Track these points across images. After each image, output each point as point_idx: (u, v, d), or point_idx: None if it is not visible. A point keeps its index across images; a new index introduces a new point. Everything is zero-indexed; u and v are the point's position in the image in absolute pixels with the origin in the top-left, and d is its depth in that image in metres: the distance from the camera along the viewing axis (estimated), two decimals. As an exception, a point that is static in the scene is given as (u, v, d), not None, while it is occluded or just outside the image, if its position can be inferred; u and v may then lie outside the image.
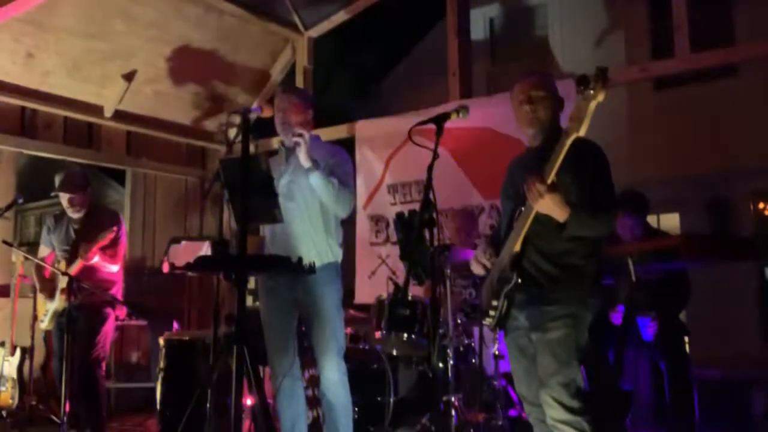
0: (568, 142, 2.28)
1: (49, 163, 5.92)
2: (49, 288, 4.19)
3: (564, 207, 2.34)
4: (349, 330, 4.22)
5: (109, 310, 4.23)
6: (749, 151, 7.28)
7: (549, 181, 2.32)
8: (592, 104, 2.23)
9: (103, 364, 4.24)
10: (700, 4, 5.21)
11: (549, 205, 2.34)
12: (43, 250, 4.36)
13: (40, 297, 4.26)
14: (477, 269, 2.79)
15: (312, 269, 2.64)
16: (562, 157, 2.30)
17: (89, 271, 4.10)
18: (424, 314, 3.55)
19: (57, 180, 4.23)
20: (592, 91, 2.21)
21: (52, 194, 4.28)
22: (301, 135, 3.10)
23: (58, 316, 4.13)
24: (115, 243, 4.21)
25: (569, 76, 4.36)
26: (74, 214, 4.27)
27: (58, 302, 4.09)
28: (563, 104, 2.69)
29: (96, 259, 4.06)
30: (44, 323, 4.20)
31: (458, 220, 4.77)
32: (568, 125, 2.29)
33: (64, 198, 4.22)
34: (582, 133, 2.26)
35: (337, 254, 3.31)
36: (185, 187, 6.80)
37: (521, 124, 2.68)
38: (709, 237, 5.52)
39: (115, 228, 4.05)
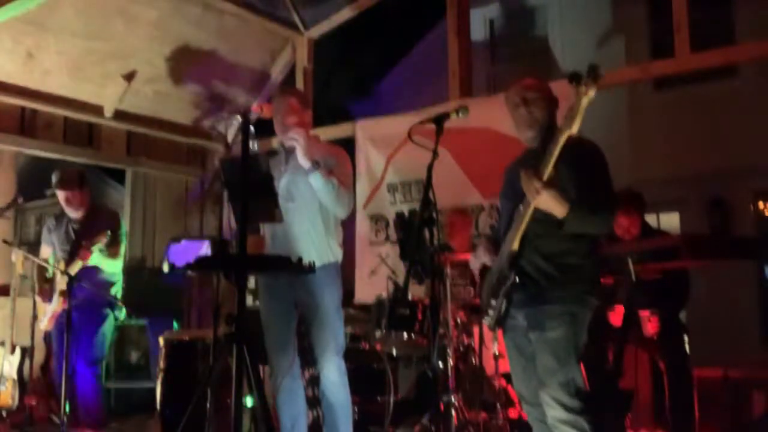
0: (562, 139, 2.30)
1: (49, 163, 5.92)
2: (47, 290, 4.19)
3: (563, 203, 2.34)
4: (349, 330, 4.22)
5: (107, 310, 4.23)
6: (749, 151, 7.27)
7: (545, 178, 2.32)
8: (584, 100, 2.25)
9: (102, 365, 4.24)
10: (700, 4, 5.21)
11: (546, 202, 2.34)
12: (45, 250, 4.36)
13: (38, 299, 4.26)
14: (475, 269, 2.79)
15: (312, 269, 2.65)
16: (556, 153, 2.32)
17: (90, 271, 4.10)
18: (424, 314, 3.55)
19: (54, 178, 4.23)
20: (584, 88, 2.23)
21: (49, 193, 4.29)
22: (294, 138, 3.10)
23: (57, 316, 4.13)
24: (115, 241, 4.20)
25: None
26: (73, 214, 4.27)
27: (57, 303, 4.09)
28: (558, 104, 2.70)
29: (94, 259, 4.05)
30: (43, 323, 4.20)
31: (450, 218, 4.75)
32: (562, 122, 2.31)
33: (61, 196, 4.22)
34: (575, 129, 2.28)
35: (337, 254, 3.32)
36: (185, 187, 6.80)
37: (519, 126, 2.70)
38: (709, 237, 5.52)
39: (109, 231, 4.03)
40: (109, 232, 4.01)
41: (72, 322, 3.88)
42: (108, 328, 4.24)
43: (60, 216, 4.38)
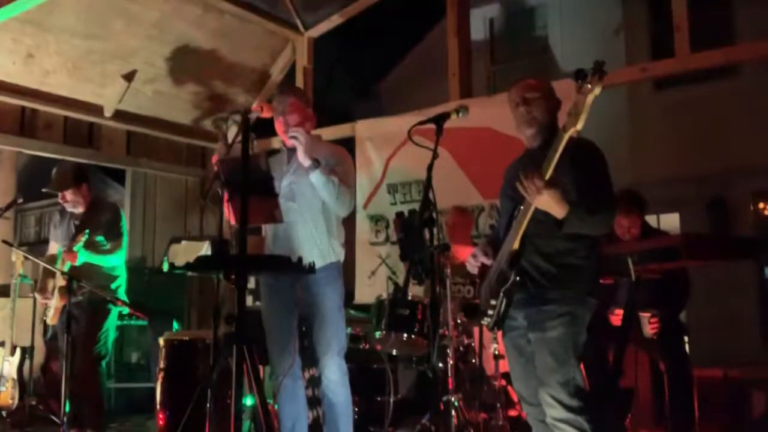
0: (566, 136, 2.30)
1: (49, 163, 5.92)
2: (46, 287, 4.17)
3: (562, 204, 2.35)
4: (348, 330, 4.21)
5: (109, 306, 4.19)
6: (749, 151, 7.27)
7: (547, 177, 2.32)
8: (590, 98, 2.25)
9: (104, 362, 4.21)
10: (700, 4, 5.21)
11: (547, 202, 2.35)
12: (52, 246, 4.35)
13: (38, 296, 4.24)
14: (473, 269, 2.79)
15: (312, 269, 2.65)
16: (559, 152, 2.32)
17: (89, 265, 4.08)
18: (423, 314, 3.55)
19: (52, 177, 4.23)
20: (589, 85, 2.24)
21: (44, 190, 4.27)
22: (295, 136, 3.10)
23: (60, 312, 4.10)
24: (117, 233, 4.18)
25: (569, 77, 4.36)
26: (73, 210, 4.26)
27: (57, 299, 4.08)
28: (560, 105, 2.70)
29: (90, 256, 4.02)
30: (48, 318, 4.18)
31: (451, 218, 4.75)
32: (566, 120, 2.31)
33: (58, 197, 4.22)
34: (579, 127, 2.28)
35: (339, 254, 3.31)
36: (185, 187, 6.80)
37: (519, 126, 2.70)
38: (709, 237, 5.52)
39: (87, 230, 3.99)
40: (87, 231, 3.98)
41: (74, 319, 3.89)
42: (111, 324, 4.21)
43: (64, 211, 4.37)
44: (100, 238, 4.16)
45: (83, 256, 4.01)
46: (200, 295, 6.46)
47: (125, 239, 4.32)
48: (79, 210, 4.26)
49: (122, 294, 4.32)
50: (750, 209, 7.91)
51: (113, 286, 4.25)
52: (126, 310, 4.33)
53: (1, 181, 5.43)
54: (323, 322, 3.18)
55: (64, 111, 5.50)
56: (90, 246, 4.03)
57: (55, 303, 4.11)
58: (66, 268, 3.95)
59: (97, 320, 4.13)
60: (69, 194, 4.19)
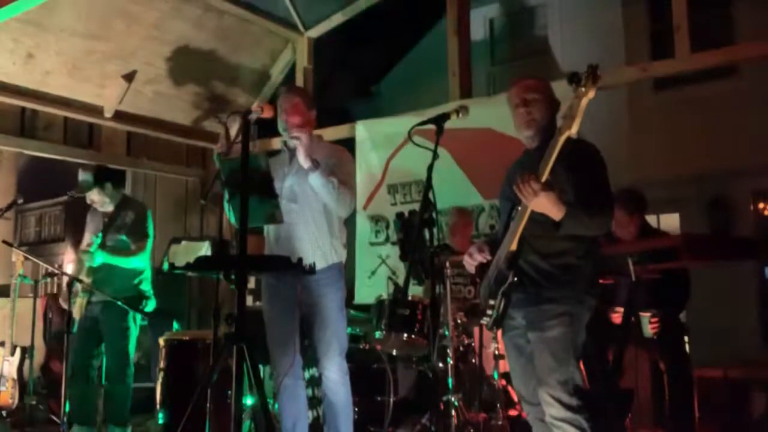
0: (561, 139, 2.31)
1: (49, 163, 5.92)
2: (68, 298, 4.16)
3: (559, 205, 2.35)
4: (349, 330, 4.22)
5: (127, 306, 4.16)
6: (749, 151, 7.26)
7: (543, 180, 2.32)
8: (584, 101, 2.26)
9: (131, 362, 4.18)
10: (700, 4, 5.21)
11: (544, 204, 2.35)
12: (87, 238, 4.33)
13: (62, 303, 4.19)
14: (470, 267, 2.79)
15: (312, 269, 2.65)
16: (555, 155, 2.32)
17: (108, 266, 4.06)
18: (424, 314, 3.55)
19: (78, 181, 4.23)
20: (583, 89, 2.24)
21: (69, 193, 4.26)
22: (297, 137, 3.10)
23: (85, 306, 4.07)
24: (137, 236, 4.16)
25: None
26: (103, 210, 4.24)
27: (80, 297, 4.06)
28: (559, 105, 2.70)
29: (102, 258, 4.01)
30: (74, 311, 4.14)
31: (452, 217, 4.75)
32: (561, 123, 2.31)
33: (86, 199, 4.22)
34: (574, 130, 2.28)
35: (341, 255, 3.32)
36: (185, 187, 6.80)
37: (518, 126, 2.70)
38: (709, 237, 5.52)
39: (100, 233, 3.99)
40: (100, 233, 3.98)
41: (95, 321, 3.88)
42: (131, 323, 4.15)
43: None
44: (123, 238, 4.14)
45: (100, 257, 4.00)
46: (200, 295, 6.46)
47: (150, 241, 4.27)
48: (109, 209, 4.22)
49: (149, 290, 4.28)
50: (750, 209, 7.89)
51: (135, 281, 4.20)
52: (152, 306, 4.29)
53: (1, 181, 5.43)
54: (324, 322, 3.18)
55: (64, 111, 5.50)
56: (105, 248, 4.02)
57: (79, 300, 4.09)
58: (86, 267, 3.95)
59: (117, 319, 4.10)
60: (94, 195, 4.18)
